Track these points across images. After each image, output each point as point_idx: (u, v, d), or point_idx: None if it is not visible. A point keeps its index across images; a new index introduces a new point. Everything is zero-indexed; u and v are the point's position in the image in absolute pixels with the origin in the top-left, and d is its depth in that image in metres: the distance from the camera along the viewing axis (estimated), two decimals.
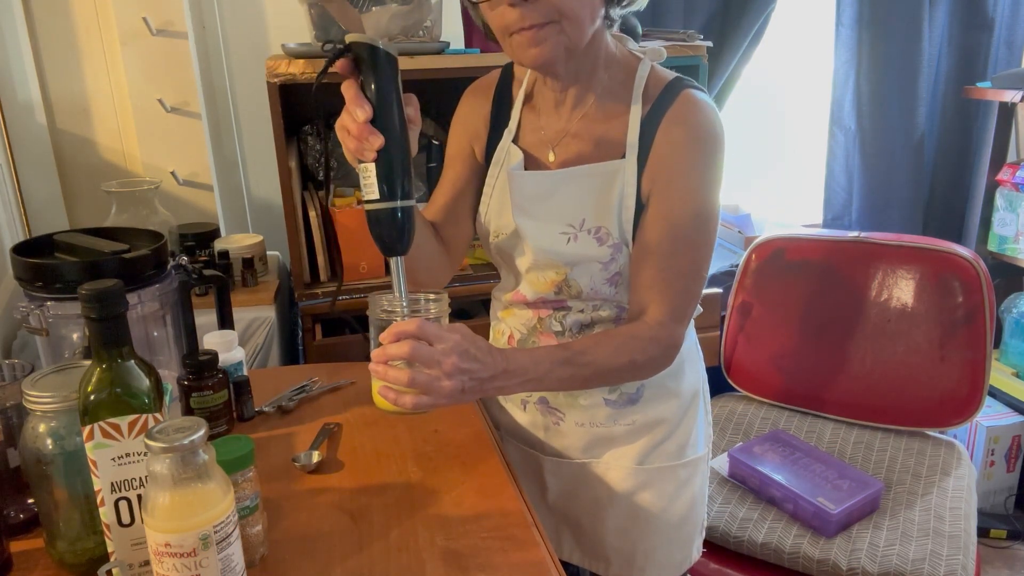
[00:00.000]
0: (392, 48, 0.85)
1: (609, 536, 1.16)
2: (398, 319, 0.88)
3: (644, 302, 1.00)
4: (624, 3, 0.97)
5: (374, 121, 0.84)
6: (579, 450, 1.15)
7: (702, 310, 1.09)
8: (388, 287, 0.91)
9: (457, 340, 0.86)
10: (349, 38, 0.84)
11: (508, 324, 1.15)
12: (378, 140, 0.84)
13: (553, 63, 0.94)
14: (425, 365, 0.85)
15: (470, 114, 1.13)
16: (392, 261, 0.89)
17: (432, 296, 0.93)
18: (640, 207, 1.00)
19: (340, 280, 1.78)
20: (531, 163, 1.06)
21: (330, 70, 0.86)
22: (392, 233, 0.87)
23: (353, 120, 0.84)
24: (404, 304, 0.89)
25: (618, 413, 1.11)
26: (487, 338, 1.23)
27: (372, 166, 0.85)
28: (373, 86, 0.84)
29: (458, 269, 1.17)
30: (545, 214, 1.03)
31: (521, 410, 1.18)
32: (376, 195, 0.86)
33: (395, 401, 0.86)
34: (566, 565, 1.21)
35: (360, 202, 0.89)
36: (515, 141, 1.08)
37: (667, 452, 1.13)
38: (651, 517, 1.14)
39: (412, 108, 0.89)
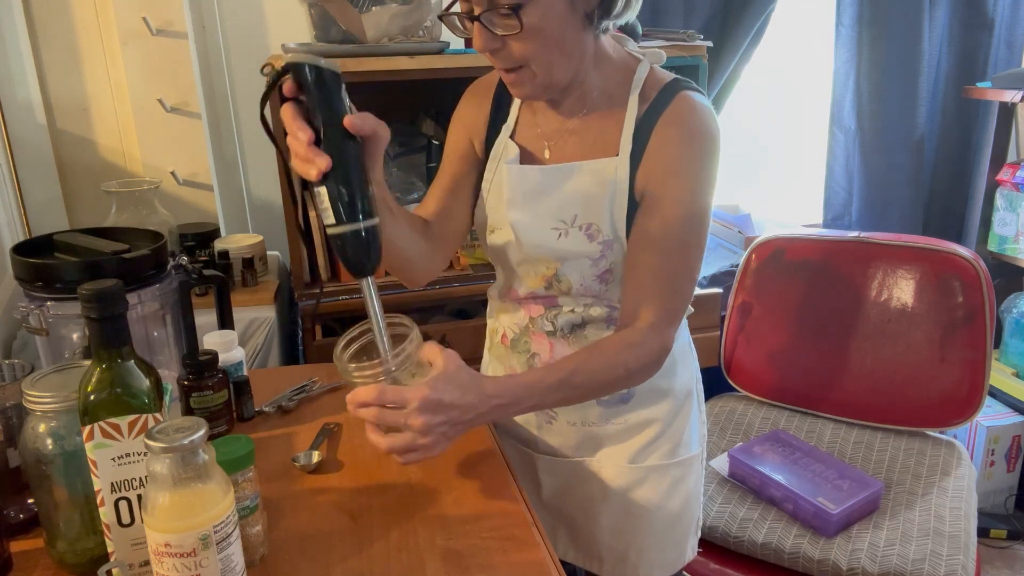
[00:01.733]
0: (333, 64, 0.82)
1: (602, 534, 1.16)
2: (360, 382, 0.86)
3: (636, 303, 1.00)
4: (612, 15, 0.96)
5: (319, 142, 0.81)
6: (572, 448, 1.15)
7: (693, 310, 1.09)
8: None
9: (423, 396, 0.84)
10: (286, 58, 0.82)
11: (501, 323, 1.15)
12: (323, 160, 0.80)
13: (533, 99, 1.02)
14: (394, 429, 0.85)
15: (470, 111, 1.13)
16: (362, 283, 0.86)
17: (403, 323, 0.89)
18: (633, 205, 1.00)
19: (321, 286, 1.78)
20: (527, 158, 1.07)
21: (280, 93, 0.83)
22: (356, 255, 0.84)
23: (297, 143, 0.82)
24: (381, 331, 0.86)
25: (610, 412, 1.12)
26: (483, 339, 1.24)
27: (324, 189, 0.82)
28: (315, 106, 0.81)
29: (448, 263, 1.17)
30: (537, 209, 1.04)
31: None
32: (332, 219, 0.83)
33: (388, 456, 0.87)
34: (561, 564, 1.21)
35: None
36: (512, 137, 1.08)
37: (660, 451, 1.13)
38: (644, 515, 1.14)
39: (368, 122, 0.84)
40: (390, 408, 0.85)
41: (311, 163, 0.81)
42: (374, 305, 0.87)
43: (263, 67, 0.84)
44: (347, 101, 0.84)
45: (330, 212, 0.82)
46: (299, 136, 0.82)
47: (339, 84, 0.83)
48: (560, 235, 1.02)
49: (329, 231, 0.84)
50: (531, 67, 0.93)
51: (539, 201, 1.04)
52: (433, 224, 1.11)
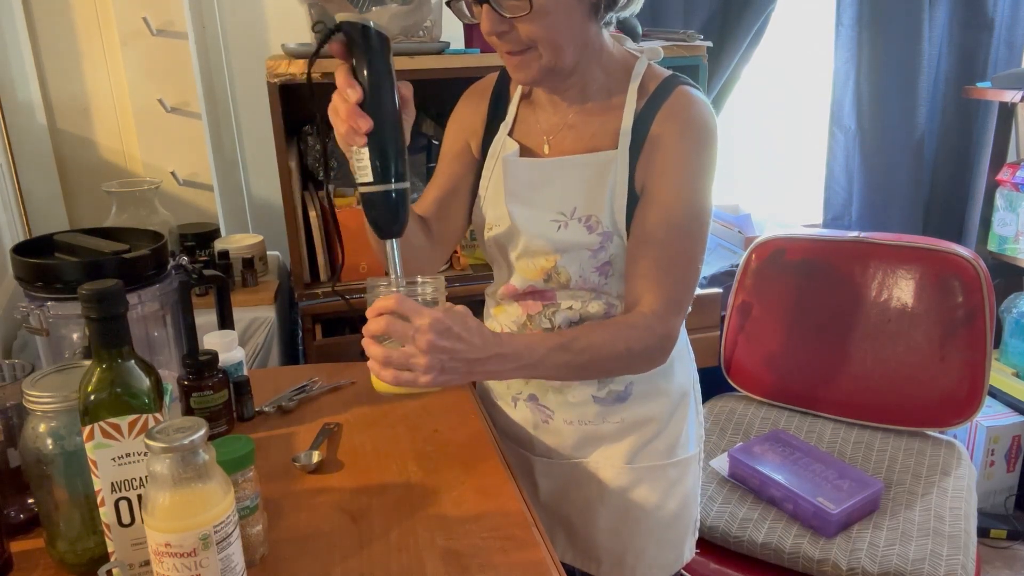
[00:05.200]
0: (384, 28, 0.84)
1: (600, 536, 1.16)
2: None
3: (639, 292, 1.01)
4: (617, 7, 0.98)
5: (364, 103, 0.83)
6: (569, 448, 1.15)
7: (690, 309, 1.09)
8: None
9: (437, 317, 0.84)
10: (340, 17, 0.84)
11: (499, 321, 1.15)
12: (366, 123, 0.83)
13: (536, 84, 1.01)
14: (399, 340, 0.85)
15: (468, 112, 1.14)
16: (387, 244, 0.89)
17: (429, 279, 0.92)
18: (633, 198, 1.01)
19: (339, 274, 1.78)
20: (526, 153, 1.08)
21: (323, 53, 0.85)
22: (387, 216, 0.87)
23: (344, 101, 0.84)
24: (401, 285, 0.88)
25: (607, 411, 1.11)
26: None
27: (365, 149, 0.84)
28: (364, 67, 0.83)
29: (444, 263, 1.17)
30: (537, 201, 1.05)
31: (512, 407, 1.18)
32: (370, 178, 0.85)
33: (377, 374, 0.87)
34: None
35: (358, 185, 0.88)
36: (511, 134, 1.10)
37: (656, 451, 1.13)
38: (641, 516, 1.14)
39: (405, 89, 0.89)
40: (402, 321, 0.85)
41: (355, 123, 0.83)
42: (396, 268, 0.88)
43: (314, 24, 0.86)
44: (392, 66, 0.85)
45: (368, 170, 0.85)
46: (348, 94, 0.83)
47: (388, 47, 0.85)
48: (560, 227, 1.03)
49: (362, 190, 0.86)
50: (537, 49, 0.94)
51: (539, 193, 1.05)
52: (431, 224, 1.12)
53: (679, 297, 1.02)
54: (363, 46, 0.83)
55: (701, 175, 1.00)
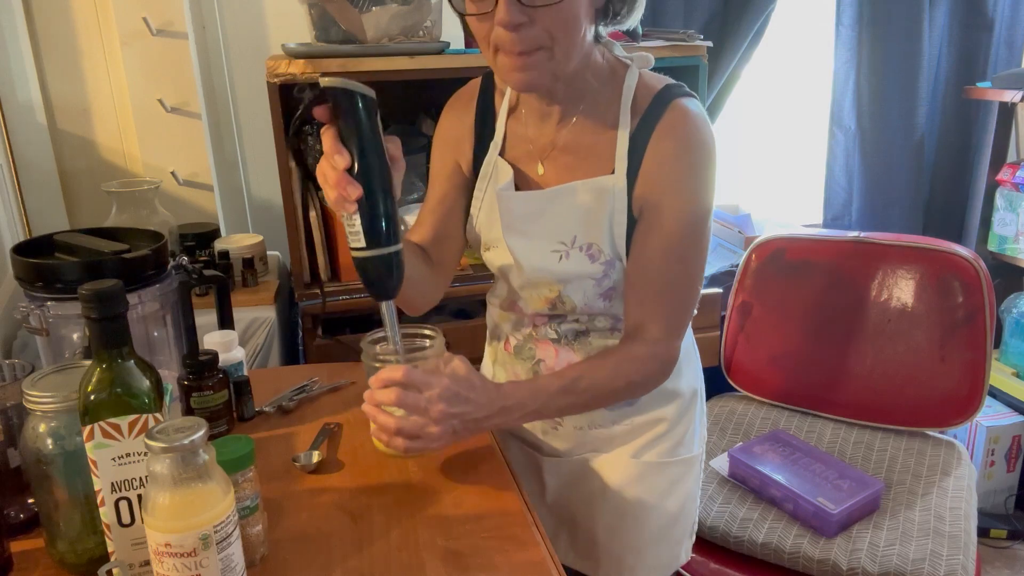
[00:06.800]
0: (368, 89, 0.82)
1: (601, 534, 1.16)
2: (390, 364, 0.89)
3: (640, 319, 1.00)
4: (618, 17, 0.96)
5: (353, 169, 0.81)
6: (577, 449, 1.15)
7: (696, 312, 1.09)
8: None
9: (445, 385, 0.86)
10: (323, 83, 0.81)
11: (504, 331, 1.15)
12: (356, 191, 0.81)
13: (536, 88, 0.95)
14: (412, 412, 0.86)
15: (453, 128, 1.11)
16: (383, 305, 0.88)
17: (427, 332, 0.93)
18: (632, 222, 0.99)
19: (322, 286, 1.78)
20: (520, 177, 1.05)
21: (310, 116, 0.83)
22: (380, 279, 0.86)
23: (332, 169, 0.82)
24: (399, 350, 0.90)
25: (616, 415, 1.12)
26: (482, 343, 1.23)
27: (356, 215, 0.83)
28: (352, 133, 0.81)
29: (447, 286, 1.16)
30: (536, 232, 1.02)
31: None
32: (362, 243, 0.84)
33: (388, 444, 0.89)
34: None
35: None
36: (502, 154, 1.06)
37: (662, 448, 1.13)
38: (641, 514, 1.14)
39: (394, 148, 0.86)
40: (412, 392, 0.86)
41: (344, 191, 0.81)
42: (394, 328, 0.89)
43: (296, 90, 0.82)
44: (380, 127, 0.83)
45: (360, 236, 0.84)
46: (336, 161, 0.81)
47: (375, 109, 0.82)
48: (561, 257, 1.01)
49: (356, 255, 0.85)
50: (553, 49, 0.87)
51: (537, 224, 1.02)
52: (430, 250, 1.10)
53: (680, 321, 1.02)
54: (349, 111, 0.81)
55: (700, 196, 0.97)
